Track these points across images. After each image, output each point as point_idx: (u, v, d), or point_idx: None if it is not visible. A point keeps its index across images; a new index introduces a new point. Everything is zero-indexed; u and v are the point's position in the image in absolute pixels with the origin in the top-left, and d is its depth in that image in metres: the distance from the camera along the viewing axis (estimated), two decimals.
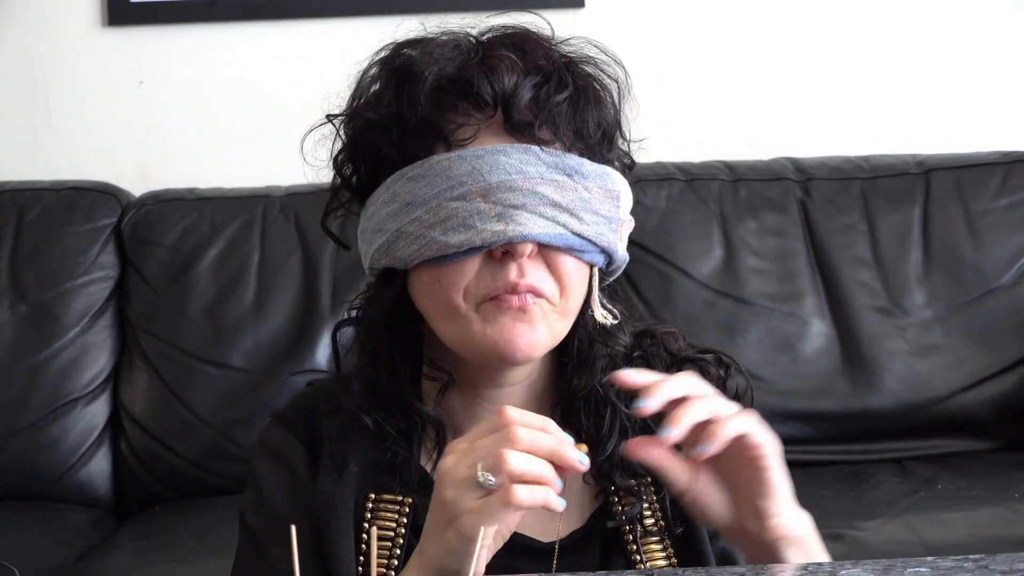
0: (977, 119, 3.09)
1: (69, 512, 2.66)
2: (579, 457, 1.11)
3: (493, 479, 1.09)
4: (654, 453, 1.17)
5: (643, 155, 2.93)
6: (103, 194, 2.89)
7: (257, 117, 3.04)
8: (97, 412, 2.76)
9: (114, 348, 2.80)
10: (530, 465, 1.09)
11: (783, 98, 3.10)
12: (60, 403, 2.74)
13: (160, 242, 2.82)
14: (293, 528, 1.00)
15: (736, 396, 1.37)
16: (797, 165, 2.91)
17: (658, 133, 3.15)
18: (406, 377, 1.32)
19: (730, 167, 2.90)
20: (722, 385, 1.36)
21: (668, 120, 3.01)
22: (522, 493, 1.07)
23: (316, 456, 1.32)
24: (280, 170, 2.88)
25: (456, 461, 1.12)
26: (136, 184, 2.98)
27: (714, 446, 1.13)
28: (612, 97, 1.33)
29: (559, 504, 1.09)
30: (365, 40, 1.36)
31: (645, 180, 2.81)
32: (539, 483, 1.09)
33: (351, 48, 1.36)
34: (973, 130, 3.06)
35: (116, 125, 3.09)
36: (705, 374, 1.35)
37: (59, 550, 2.47)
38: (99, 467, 2.74)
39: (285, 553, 1.25)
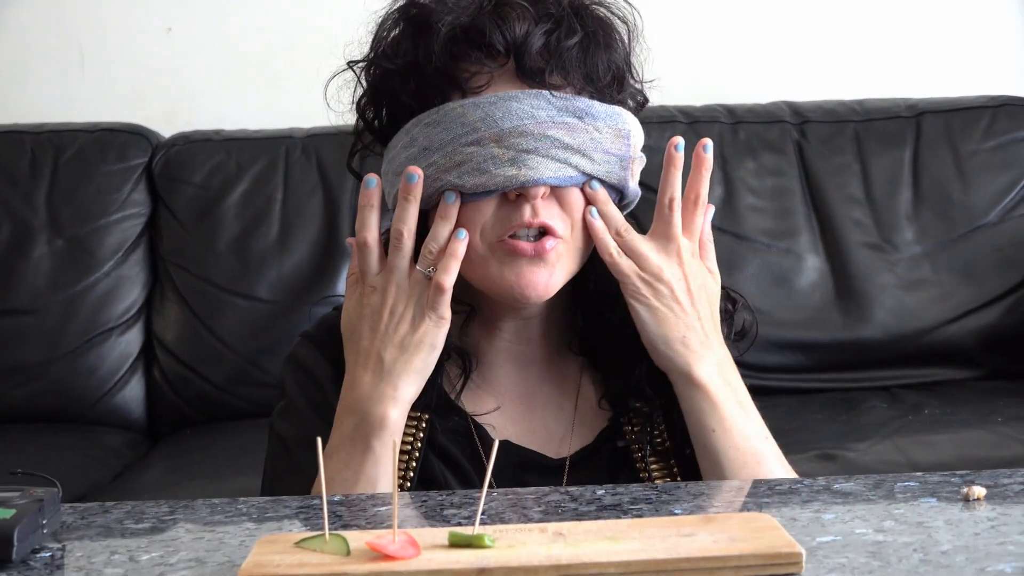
0: (966, 64, 3.08)
1: (106, 434, 2.69)
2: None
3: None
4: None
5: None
6: (134, 135, 2.89)
7: (280, 62, 3.03)
8: (131, 341, 2.77)
9: (146, 281, 2.81)
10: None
11: (781, 44, 3.08)
12: (96, 332, 2.75)
13: (189, 180, 2.82)
14: (319, 440, 1.00)
15: (742, 330, 1.38)
16: (794, 108, 2.90)
17: (660, 77, 3.14)
18: None
19: (730, 110, 2.89)
20: (729, 318, 1.36)
21: (670, 65, 2.98)
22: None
23: (341, 371, 1.33)
24: (302, 112, 2.87)
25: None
26: (165, 126, 2.97)
27: None
28: (622, 39, 1.31)
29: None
30: None
31: (648, 122, 2.72)
32: None
33: None
34: (963, 75, 3.05)
35: (146, 70, 3.08)
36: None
37: (97, 468, 2.49)
38: (133, 392, 2.76)
39: (311, 459, 1.25)
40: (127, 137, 2.88)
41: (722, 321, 1.35)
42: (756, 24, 3.08)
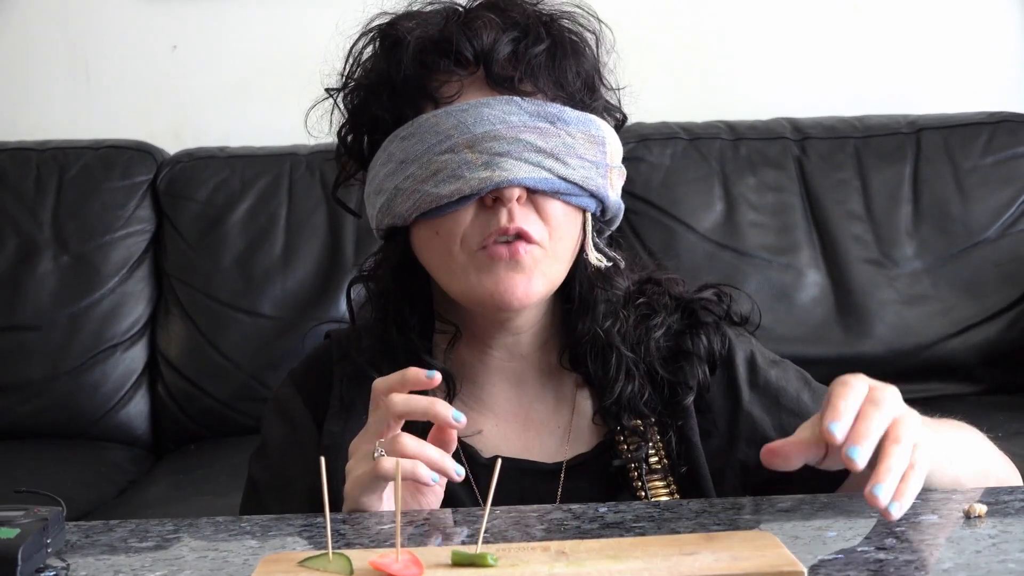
0: (966, 81, 3.08)
1: (110, 450, 2.69)
2: (453, 414, 1.13)
3: (384, 452, 1.11)
4: (792, 459, 1.08)
5: (648, 115, 2.91)
6: (139, 152, 2.90)
7: (285, 79, 3.01)
8: (135, 357, 2.78)
9: (151, 297, 2.82)
10: (409, 447, 1.11)
11: (782, 61, 3.09)
12: (101, 348, 2.75)
13: (193, 197, 2.82)
14: (322, 460, 1.00)
15: (743, 320, 1.37)
16: (794, 125, 2.90)
17: (662, 94, 3.14)
18: (416, 331, 1.31)
19: (731, 126, 2.89)
20: (726, 315, 1.35)
21: (672, 82, 3.00)
22: (387, 464, 1.09)
23: (323, 412, 1.32)
24: (306, 130, 2.87)
25: (359, 439, 1.16)
26: (170, 143, 2.98)
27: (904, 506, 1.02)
28: (591, 48, 1.31)
29: (430, 479, 1.10)
30: (383, 4, 1.35)
31: (650, 139, 2.80)
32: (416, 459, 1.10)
33: (364, 14, 1.35)
34: (962, 91, 3.05)
35: (151, 87, 3.09)
36: (708, 311, 1.35)
37: (102, 484, 2.49)
38: (138, 408, 2.76)
39: (279, 506, 1.26)
40: (132, 154, 2.89)
41: (724, 309, 1.35)
42: (757, 41, 3.09)
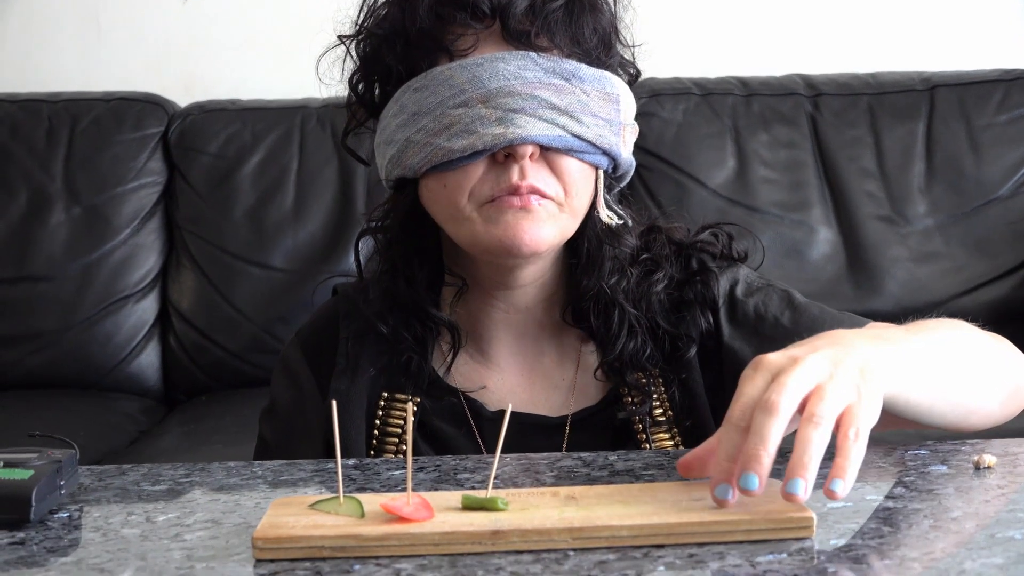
0: (981, 38, 3.06)
1: (122, 400, 2.70)
2: None
3: None
4: (707, 470, 0.99)
5: (661, 70, 2.89)
6: (151, 104, 2.90)
7: (296, 31, 3.01)
8: (147, 308, 2.79)
9: (162, 249, 2.82)
10: None
11: (795, 17, 3.07)
12: (112, 300, 2.76)
13: (205, 150, 2.82)
14: (334, 403, 1.00)
15: (742, 257, 1.36)
16: (807, 81, 2.89)
17: (675, 50, 3.11)
18: (423, 283, 1.31)
19: (744, 82, 2.88)
20: (722, 254, 1.34)
21: (685, 37, 2.99)
22: None
23: (328, 371, 1.32)
24: (317, 82, 2.86)
25: None
26: (181, 95, 2.98)
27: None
28: (608, 4, 1.30)
29: None
30: None
31: (663, 94, 2.79)
32: None
33: None
34: (977, 48, 3.03)
35: (162, 39, 3.08)
36: (706, 253, 1.34)
37: (113, 434, 2.50)
38: (149, 359, 2.78)
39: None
40: (143, 106, 2.89)
41: (722, 248, 1.33)
42: None
